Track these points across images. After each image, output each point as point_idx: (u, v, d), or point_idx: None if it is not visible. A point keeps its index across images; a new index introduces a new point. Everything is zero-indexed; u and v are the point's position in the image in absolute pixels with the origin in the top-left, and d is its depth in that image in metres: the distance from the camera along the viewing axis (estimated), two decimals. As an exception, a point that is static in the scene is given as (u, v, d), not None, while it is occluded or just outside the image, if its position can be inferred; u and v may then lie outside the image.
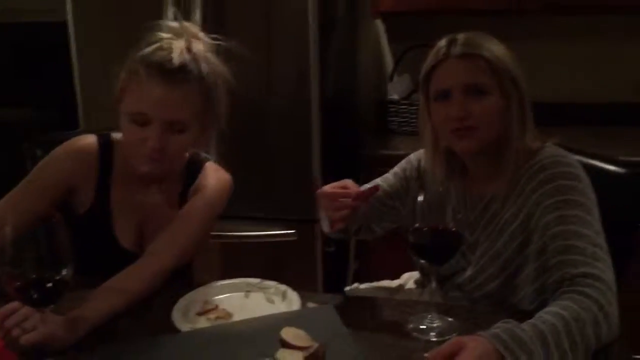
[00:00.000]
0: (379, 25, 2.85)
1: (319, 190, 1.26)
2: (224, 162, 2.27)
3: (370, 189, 1.27)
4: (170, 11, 2.12)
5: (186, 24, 1.29)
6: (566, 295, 1.04)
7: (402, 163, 1.47)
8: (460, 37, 1.23)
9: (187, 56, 1.22)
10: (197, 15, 2.15)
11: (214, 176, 1.40)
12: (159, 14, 2.11)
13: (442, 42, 1.24)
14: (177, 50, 1.22)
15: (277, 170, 2.30)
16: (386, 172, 2.29)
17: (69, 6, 2.28)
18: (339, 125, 2.48)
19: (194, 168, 1.41)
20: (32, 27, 2.83)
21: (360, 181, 2.41)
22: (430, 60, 1.25)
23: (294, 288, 1.23)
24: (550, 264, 1.12)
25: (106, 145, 1.36)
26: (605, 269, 1.07)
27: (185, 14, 2.15)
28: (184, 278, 1.33)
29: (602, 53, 2.65)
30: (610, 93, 2.66)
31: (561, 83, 2.70)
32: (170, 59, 1.20)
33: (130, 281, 1.18)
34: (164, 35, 1.25)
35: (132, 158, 1.28)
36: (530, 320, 0.98)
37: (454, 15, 2.53)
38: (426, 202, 1.08)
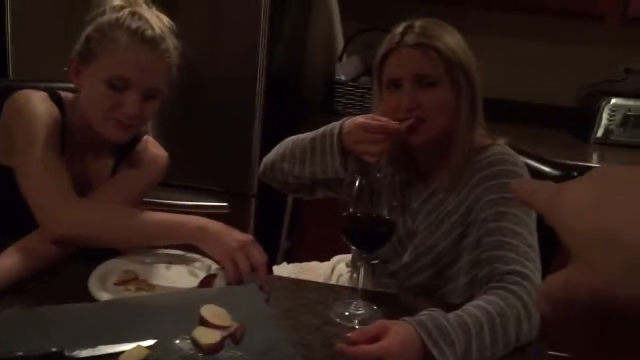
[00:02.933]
0: (334, 2, 2.80)
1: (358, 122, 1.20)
2: (165, 130, 2.22)
3: (407, 125, 1.20)
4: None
5: None
6: (493, 290, 1.06)
7: None
8: (417, 25, 1.20)
9: (159, 23, 1.22)
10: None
11: (151, 152, 1.36)
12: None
13: (398, 29, 1.21)
14: (152, 19, 1.21)
15: (216, 141, 2.24)
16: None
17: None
18: (283, 101, 2.44)
19: (131, 139, 1.34)
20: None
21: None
22: (384, 46, 1.23)
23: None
24: (482, 257, 1.14)
25: (59, 105, 1.26)
26: (534, 269, 1.08)
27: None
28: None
29: (550, 54, 2.70)
30: (552, 95, 2.72)
31: (503, 80, 2.74)
32: (152, 27, 1.20)
33: (44, 242, 1.11)
34: (119, 2, 1.22)
35: (100, 124, 1.21)
36: (456, 312, 0.99)
37: (410, 1, 2.52)
38: (364, 186, 1.06)
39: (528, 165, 1.38)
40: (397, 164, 1.31)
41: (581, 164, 2.18)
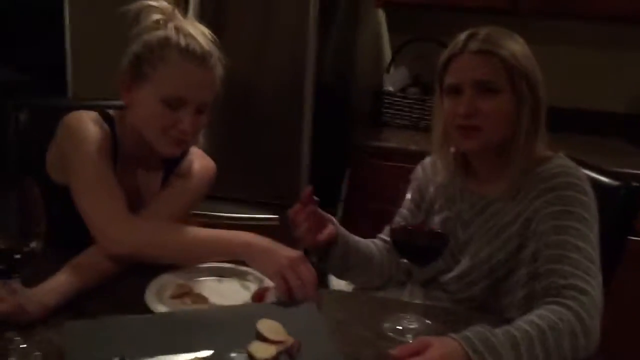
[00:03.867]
0: (380, 15, 2.81)
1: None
2: (215, 143, 2.26)
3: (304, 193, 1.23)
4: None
5: (166, 4, 1.26)
6: (548, 305, 1.03)
7: (410, 187, 1.39)
8: (481, 32, 1.20)
9: (205, 38, 1.25)
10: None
11: (199, 163, 1.39)
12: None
13: (462, 36, 1.21)
14: (198, 35, 1.23)
15: (266, 154, 2.27)
16: (375, 163, 2.29)
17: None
18: (331, 113, 2.45)
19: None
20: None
21: (348, 171, 2.40)
22: (447, 52, 1.23)
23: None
24: (540, 271, 1.11)
25: (111, 125, 1.30)
26: (594, 285, 1.05)
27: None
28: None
29: (597, 60, 2.63)
30: (606, 102, 2.65)
31: (556, 88, 2.67)
32: (200, 44, 1.22)
33: (101, 257, 1.15)
34: (158, 16, 1.23)
35: (156, 141, 1.25)
36: (505, 326, 0.97)
37: (454, 11, 2.50)
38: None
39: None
40: (454, 171, 1.30)
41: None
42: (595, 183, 1.32)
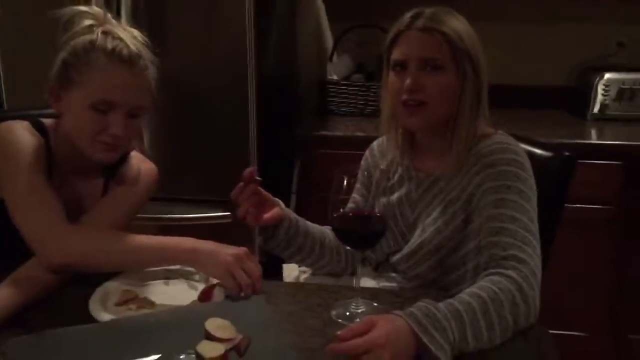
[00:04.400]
0: (320, 3, 2.80)
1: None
2: (160, 143, 2.23)
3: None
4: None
5: (98, 9, 1.25)
6: (488, 277, 1.06)
7: (360, 171, 1.43)
8: (427, 10, 1.22)
9: (134, 41, 1.22)
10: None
11: (140, 166, 1.36)
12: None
13: (409, 13, 1.24)
14: (127, 38, 1.21)
15: (213, 152, 2.25)
16: (324, 153, 2.30)
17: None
18: (277, 105, 2.44)
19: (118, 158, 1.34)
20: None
21: (297, 163, 2.40)
22: (393, 29, 1.25)
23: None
24: (482, 244, 1.14)
25: (43, 133, 1.27)
26: (532, 254, 1.08)
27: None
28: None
29: (540, 34, 2.69)
30: (546, 76, 2.71)
31: (497, 64, 2.72)
32: (128, 47, 1.20)
33: (39, 270, 1.12)
34: (90, 22, 1.22)
35: (88, 147, 1.22)
36: (447, 300, 0.99)
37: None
38: (352, 185, 1.06)
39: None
40: (400, 151, 1.32)
41: (580, 141, 2.18)
42: (532, 155, 1.36)
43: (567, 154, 1.32)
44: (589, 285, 2.21)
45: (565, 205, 1.33)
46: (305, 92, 2.73)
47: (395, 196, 1.34)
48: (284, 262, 1.51)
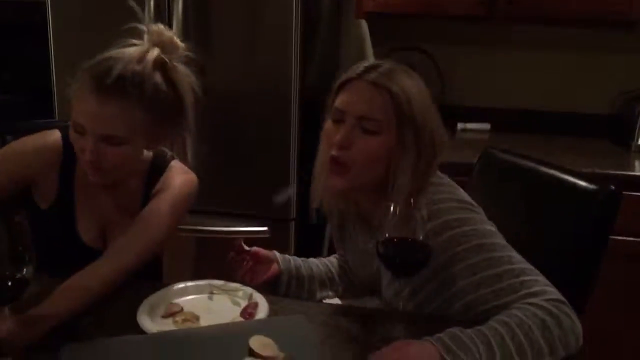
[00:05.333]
0: (363, 25, 2.83)
1: None
2: (202, 156, 2.27)
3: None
4: (152, 4, 2.09)
5: (156, 27, 1.27)
6: (513, 310, 1.04)
7: None
8: (384, 66, 1.16)
9: (130, 67, 1.21)
10: (180, 7, 2.12)
11: (179, 177, 1.38)
12: (141, 1, 2.09)
13: (364, 64, 1.18)
14: (123, 62, 1.20)
15: (254, 167, 2.29)
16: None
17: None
18: (318, 125, 2.47)
19: (158, 168, 1.39)
20: (8, 5, 2.76)
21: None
22: (343, 75, 1.19)
23: (260, 291, 1.23)
24: (483, 309, 1.08)
25: (70, 142, 1.32)
26: (542, 287, 1.06)
27: (168, 3, 2.13)
28: (150, 278, 1.31)
29: (576, 63, 2.68)
30: (589, 104, 2.69)
31: (539, 92, 2.72)
32: (109, 72, 1.18)
33: (90, 280, 1.16)
34: (128, 41, 1.25)
35: (80, 163, 1.28)
36: (475, 327, 1.00)
37: (436, 19, 2.54)
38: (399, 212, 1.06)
39: (564, 182, 1.38)
40: (341, 208, 1.29)
41: (623, 173, 2.15)
42: (575, 188, 1.36)
43: (612, 187, 1.30)
44: (635, 318, 2.17)
45: (610, 237, 1.32)
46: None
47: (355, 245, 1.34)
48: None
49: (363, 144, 1.13)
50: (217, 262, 2.14)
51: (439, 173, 1.21)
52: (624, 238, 2.07)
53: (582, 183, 1.35)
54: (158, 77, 1.25)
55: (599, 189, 1.31)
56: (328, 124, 1.19)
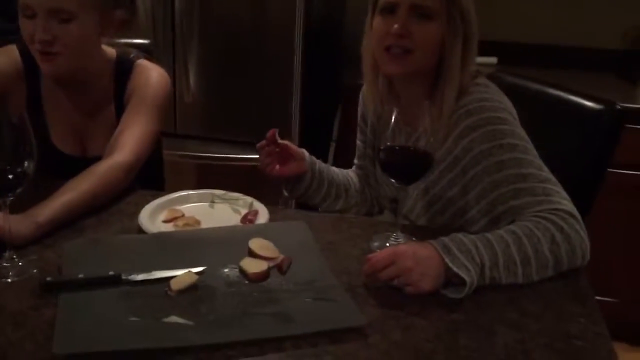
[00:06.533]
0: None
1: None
2: (205, 84, 2.25)
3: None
4: None
5: None
6: (522, 222, 1.04)
7: (358, 112, 1.45)
8: None
9: None
10: None
11: (151, 72, 1.37)
12: None
13: None
14: None
15: (257, 95, 2.27)
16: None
17: None
18: (322, 53, 2.44)
19: (125, 67, 1.37)
20: None
21: (340, 109, 2.40)
22: None
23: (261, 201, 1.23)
24: (499, 211, 1.11)
25: (29, 52, 1.28)
26: (560, 199, 1.06)
27: None
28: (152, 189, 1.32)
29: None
30: (598, 38, 2.64)
31: (539, 24, 2.67)
32: None
33: (86, 181, 1.16)
34: None
35: (35, 57, 1.24)
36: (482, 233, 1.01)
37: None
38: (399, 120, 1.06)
39: (570, 102, 1.37)
40: (381, 101, 1.28)
41: (630, 105, 2.13)
42: (581, 108, 1.35)
43: (618, 107, 1.29)
44: (630, 251, 2.19)
45: (611, 170, 1.31)
46: (351, 40, 2.71)
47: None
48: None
49: (421, 29, 1.15)
50: (217, 188, 2.12)
51: (486, 79, 1.23)
52: (629, 172, 2.06)
53: (589, 103, 1.34)
54: None
55: (605, 108, 1.30)
56: (377, 20, 1.19)
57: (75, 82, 1.32)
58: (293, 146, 1.34)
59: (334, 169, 1.45)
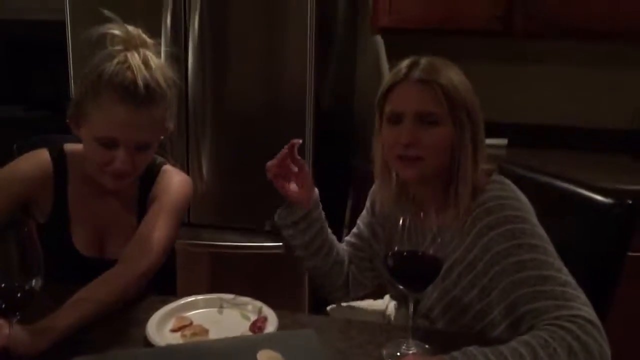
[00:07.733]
0: (379, 40, 2.84)
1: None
2: (218, 172, 2.28)
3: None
4: (169, 14, 2.12)
5: (131, 28, 1.26)
6: (538, 331, 1.02)
7: (369, 194, 1.46)
8: (422, 61, 1.21)
9: (146, 74, 1.22)
10: (196, 22, 2.14)
11: (174, 179, 1.40)
12: (158, 17, 2.11)
13: (404, 63, 1.22)
14: (138, 70, 1.21)
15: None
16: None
17: (67, 5, 2.26)
18: (333, 139, 2.47)
19: (150, 173, 1.39)
20: (30, 25, 2.81)
21: (351, 194, 2.41)
22: (388, 79, 1.23)
23: (272, 305, 1.21)
24: (519, 313, 1.09)
25: (60, 157, 1.36)
26: (580, 305, 1.04)
27: (184, 19, 2.15)
28: (165, 294, 1.31)
29: (593, 78, 2.65)
30: (609, 119, 2.66)
31: (549, 105, 2.70)
32: (135, 82, 1.20)
33: (100, 290, 1.16)
34: (115, 48, 1.24)
35: (98, 176, 1.29)
36: (497, 346, 0.98)
37: (452, 35, 2.53)
38: (409, 224, 1.06)
39: (579, 195, 1.36)
40: (401, 204, 1.29)
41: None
42: (591, 202, 1.33)
43: (629, 201, 1.28)
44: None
45: (629, 254, 1.29)
46: (361, 125, 2.75)
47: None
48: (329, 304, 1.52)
49: (427, 135, 1.18)
50: (231, 277, 2.14)
51: (502, 176, 1.25)
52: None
53: (598, 197, 1.33)
54: (162, 80, 1.26)
55: (615, 202, 1.29)
56: (385, 129, 1.23)
57: (104, 189, 1.35)
58: (308, 176, 1.35)
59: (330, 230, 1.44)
